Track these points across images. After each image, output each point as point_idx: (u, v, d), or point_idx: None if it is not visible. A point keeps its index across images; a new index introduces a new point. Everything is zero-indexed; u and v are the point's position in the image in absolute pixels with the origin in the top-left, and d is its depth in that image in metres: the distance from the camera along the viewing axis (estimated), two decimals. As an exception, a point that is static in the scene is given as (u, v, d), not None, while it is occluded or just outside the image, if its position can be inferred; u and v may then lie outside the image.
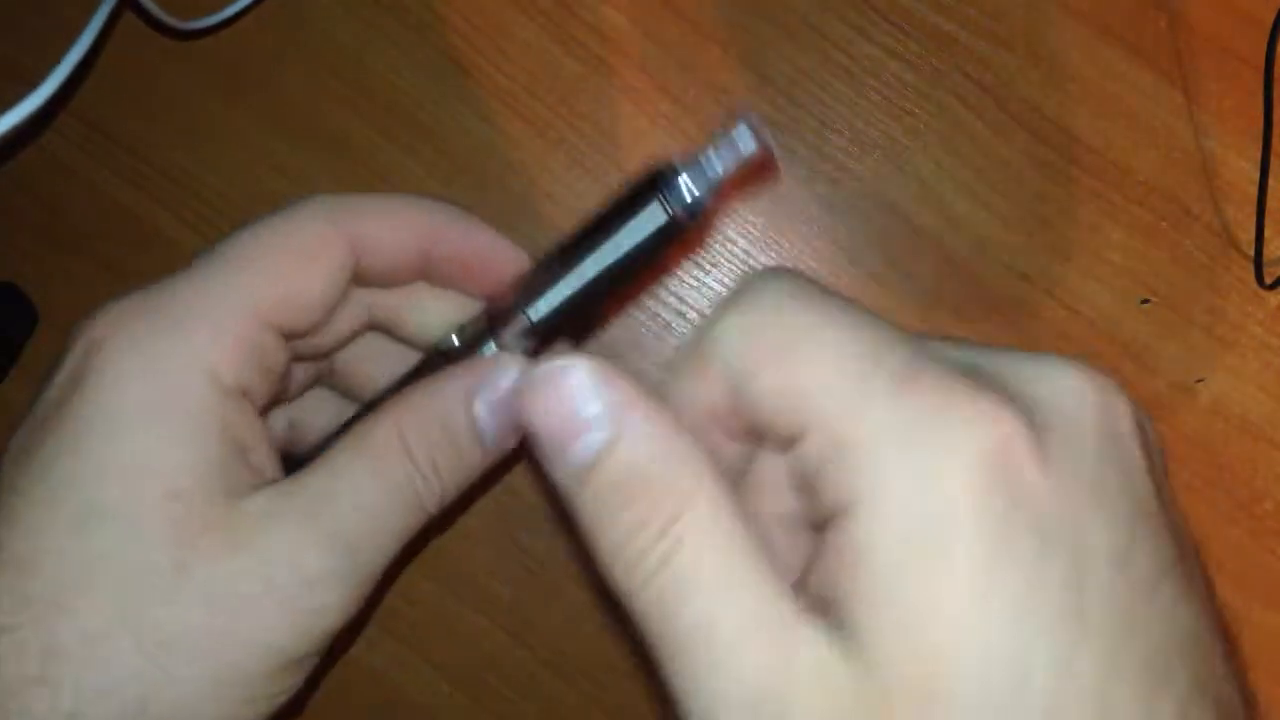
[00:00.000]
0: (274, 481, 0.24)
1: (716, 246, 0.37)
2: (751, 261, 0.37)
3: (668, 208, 0.24)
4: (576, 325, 0.27)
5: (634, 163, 0.37)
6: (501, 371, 0.25)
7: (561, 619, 0.36)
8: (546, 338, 0.26)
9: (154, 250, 0.37)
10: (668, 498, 0.19)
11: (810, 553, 0.21)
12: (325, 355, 0.29)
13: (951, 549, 0.17)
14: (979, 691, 0.17)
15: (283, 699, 0.24)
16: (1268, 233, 0.36)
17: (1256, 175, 0.36)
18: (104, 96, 0.37)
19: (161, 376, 0.22)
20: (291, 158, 0.37)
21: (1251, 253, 0.36)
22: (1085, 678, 0.17)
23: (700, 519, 0.19)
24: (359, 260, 0.26)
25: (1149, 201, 0.37)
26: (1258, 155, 0.36)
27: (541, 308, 0.26)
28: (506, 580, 0.37)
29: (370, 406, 0.28)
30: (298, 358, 0.27)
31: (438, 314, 0.29)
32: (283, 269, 0.24)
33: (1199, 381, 0.36)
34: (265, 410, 0.26)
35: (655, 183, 0.25)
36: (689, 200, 0.24)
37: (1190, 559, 0.19)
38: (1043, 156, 0.37)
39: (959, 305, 0.37)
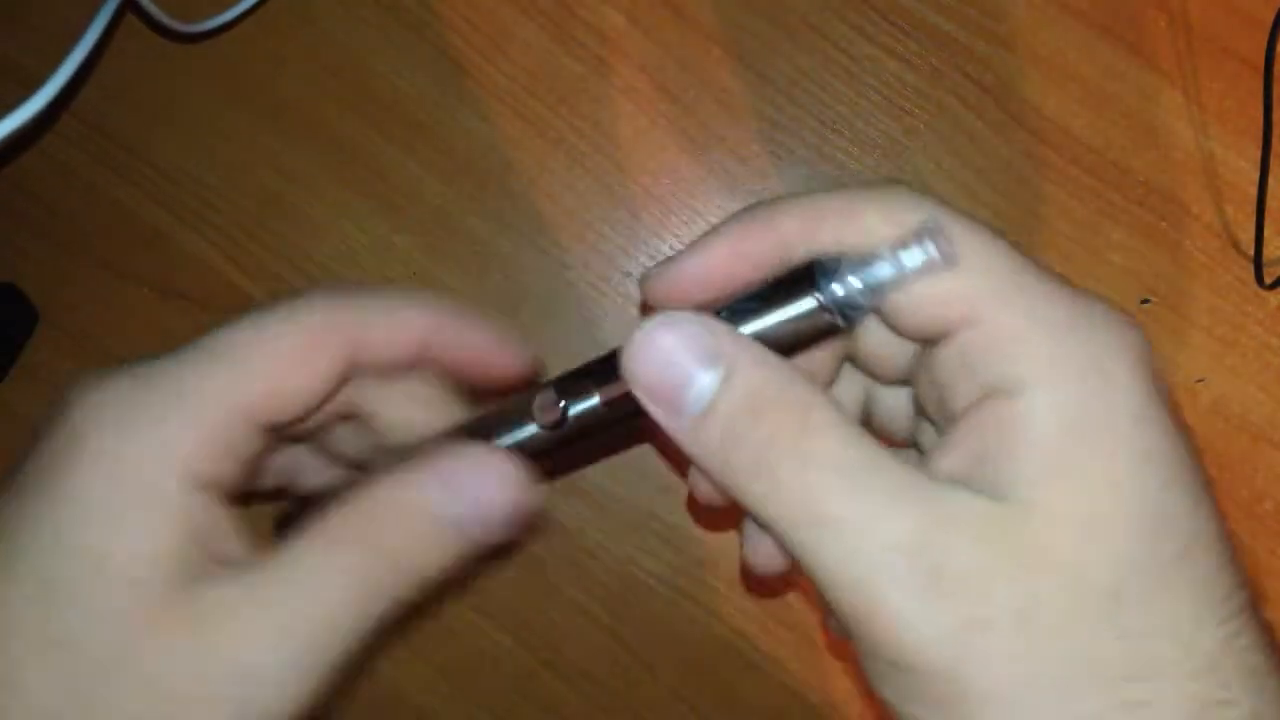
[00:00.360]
0: (239, 567, 0.24)
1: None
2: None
3: (825, 304, 0.22)
4: None
5: (634, 163, 0.37)
6: (472, 465, 0.24)
7: (561, 619, 0.37)
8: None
9: (154, 250, 0.37)
10: (793, 410, 0.22)
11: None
12: (300, 439, 0.29)
13: (1118, 423, 0.21)
14: (1133, 526, 0.21)
15: None
16: (1268, 233, 0.36)
17: (1256, 175, 0.36)
18: (105, 98, 0.37)
19: (134, 470, 0.23)
20: (291, 158, 0.37)
21: (1251, 253, 0.36)
22: (1207, 528, 0.21)
23: (825, 421, 0.22)
24: (355, 357, 0.26)
25: (1149, 201, 0.37)
26: (1258, 155, 0.36)
27: None
28: (506, 580, 0.37)
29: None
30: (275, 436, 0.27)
31: (412, 415, 0.28)
32: (272, 366, 0.24)
33: (1199, 381, 0.36)
34: (243, 488, 0.26)
35: (814, 275, 0.23)
36: (848, 299, 0.22)
37: None
38: (1043, 156, 0.37)
39: (959, 305, 0.37)
